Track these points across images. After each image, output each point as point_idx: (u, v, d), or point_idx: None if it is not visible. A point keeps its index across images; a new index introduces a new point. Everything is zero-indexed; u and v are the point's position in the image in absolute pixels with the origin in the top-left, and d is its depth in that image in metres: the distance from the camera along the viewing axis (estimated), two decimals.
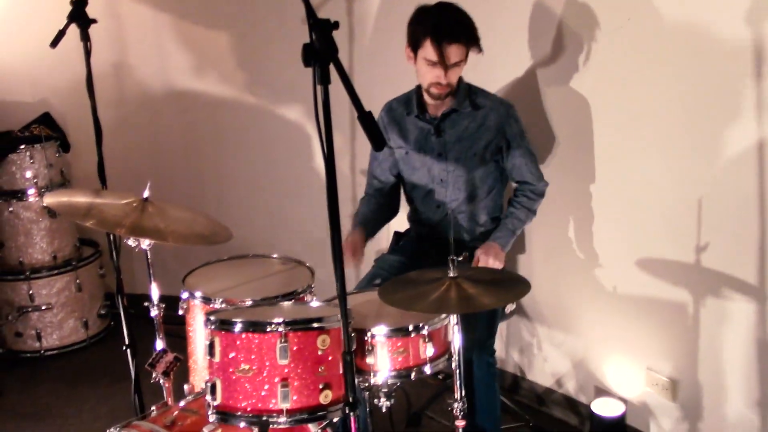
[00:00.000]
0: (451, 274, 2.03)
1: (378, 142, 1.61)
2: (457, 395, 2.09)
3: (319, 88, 1.61)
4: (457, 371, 2.09)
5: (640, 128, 2.60)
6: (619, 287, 2.80)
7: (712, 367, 2.54)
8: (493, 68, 2.95)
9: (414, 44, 2.53)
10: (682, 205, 2.49)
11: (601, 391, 2.95)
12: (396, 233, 3.02)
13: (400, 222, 3.03)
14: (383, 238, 3.30)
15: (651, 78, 2.53)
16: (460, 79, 2.65)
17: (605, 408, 2.79)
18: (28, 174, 3.80)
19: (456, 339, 2.06)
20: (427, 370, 2.08)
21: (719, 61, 2.33)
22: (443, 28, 2.46)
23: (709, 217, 2.42)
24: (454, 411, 2.10)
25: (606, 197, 2.77)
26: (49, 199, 2.37)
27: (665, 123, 2.52)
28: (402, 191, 2.95)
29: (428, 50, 2.48)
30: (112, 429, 2.10)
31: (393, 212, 2.99)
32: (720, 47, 2.30)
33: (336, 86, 1.61)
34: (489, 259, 2.56)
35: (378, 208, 2.91)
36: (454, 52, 2.47)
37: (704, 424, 2.61)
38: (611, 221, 2.78)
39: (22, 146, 3.78)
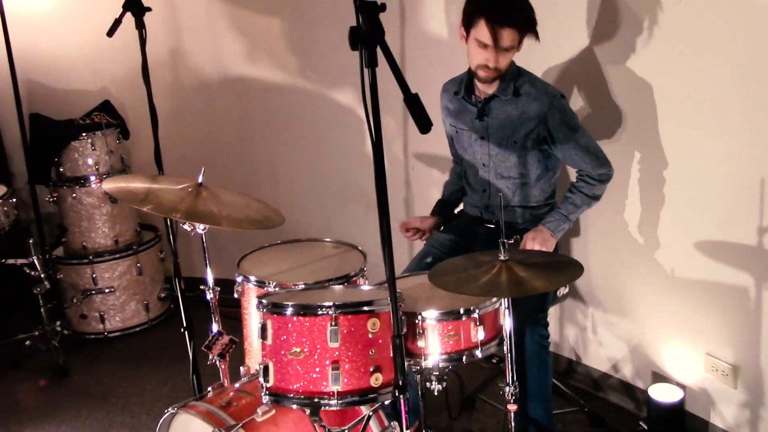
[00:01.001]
0: (502, 257, 2.01)
1: (424, 124, 1.60)
2: (508, 379, 2.08)
3: (366, 71, 1.61)
4: (509, 355, 2.07)
5: (699, 107, 2.52)
6: (677, 270, 2.73)
7: None
8: (551, 49, 2.90)
9: (467, 24, 2.49)
10: (742, 186, 2.41)
11: (659, 377, 2.89)
12: None
13: None
14: None
15: (711, 56, 2.45)
16: (512, 63, 2.61)
17: (663, 393, 2.74)
18: (90, 161, 3.91)
19: (507, 322, 2.04)
20: (478, 353, 2.08)
21: None
22: (498, 9, 2.42)
23: None
24: (506, 395, 2.09)
25: (663, 178, 2.70)
26: (108, 185, 2.43)
27: (725, 102, 2.44)
28: None
29: (481, 31, 2.44)
30: (170, 408, 2.17)
31: None
32: None
33: (388, 69, 1.61)
34: (536, 244, 2.53)
35: (459, 180, 2.96)
36: (507, 36, 2.43)
37: (767, 412, 2.54)
38: (669, 203, 2.71)
39: (84, 134, 3.88)
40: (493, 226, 2.78)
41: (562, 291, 2.86)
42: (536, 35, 2.50)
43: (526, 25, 2.46)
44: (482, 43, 2.46)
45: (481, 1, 2.47)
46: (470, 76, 2.66)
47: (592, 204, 2.69)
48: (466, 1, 2.52)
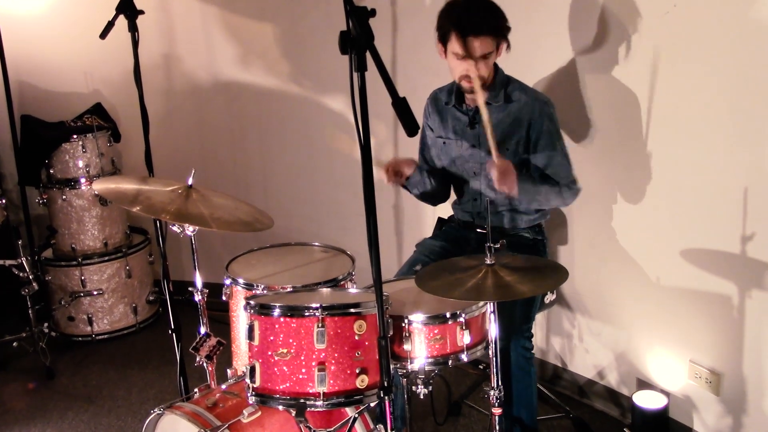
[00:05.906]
0: (488, 261, 2.03)
1: (411, 127, 1.62)
2: (493, 383, 2.10)
3: (355, 75, 1.63)
4: (494, 359, 2.09)
5: (685, 116, 2.55)
6: (662, 278, 2.76)
7: (757, 361, 2.49)
8: (533, 57, 2.93)
9: (443, 39, 2.55)
10: (727, 194, 2.44)
11: (643, 383, 2.91)
12: (440, 219, 3.02)
13: (445, 208, 3.03)
14: (427, 225, 3.31)
15: (696, 65, 2.48)
16: (498, 71, 2.64)
17: (647, 400, 2.76)
18: (81, 163, 3.92)
19: (492, 327, 2.06)
20: (464, 357, 2.09)
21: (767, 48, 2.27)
22: (468, 21, 2.47)
23: (754, 206, 2.37)
24: (490, 399, 2.10)
25: (649, 186, 2.73)
26: (98, 186, 2.44)
27: (710, 111, 2.47)
28: None
29: (455, 44, 2.49)
30: (156, 409, 2.17)
31: (445, 195, 2.96)
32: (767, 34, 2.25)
33: (378, 76, 1.63)
34: (497, 171, 2.43)
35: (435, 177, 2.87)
36: (480, 44, 2.47)
37: (749, 419, 2.56)
38: (654, 211, 2.74)
39: (75, 136, 3.89)
40: (484, 231, 2.79)
41: (550, 297, 2.88)
42: (508, 41, 2.54)
43: (497, 31, 2.49)
44: (459, 55, 2.50)
45: (450, 15, 2.52)
46: (458, 85, 2.68)
47: (557, 201, 2.65)
48: (438, 17, 2.56)
